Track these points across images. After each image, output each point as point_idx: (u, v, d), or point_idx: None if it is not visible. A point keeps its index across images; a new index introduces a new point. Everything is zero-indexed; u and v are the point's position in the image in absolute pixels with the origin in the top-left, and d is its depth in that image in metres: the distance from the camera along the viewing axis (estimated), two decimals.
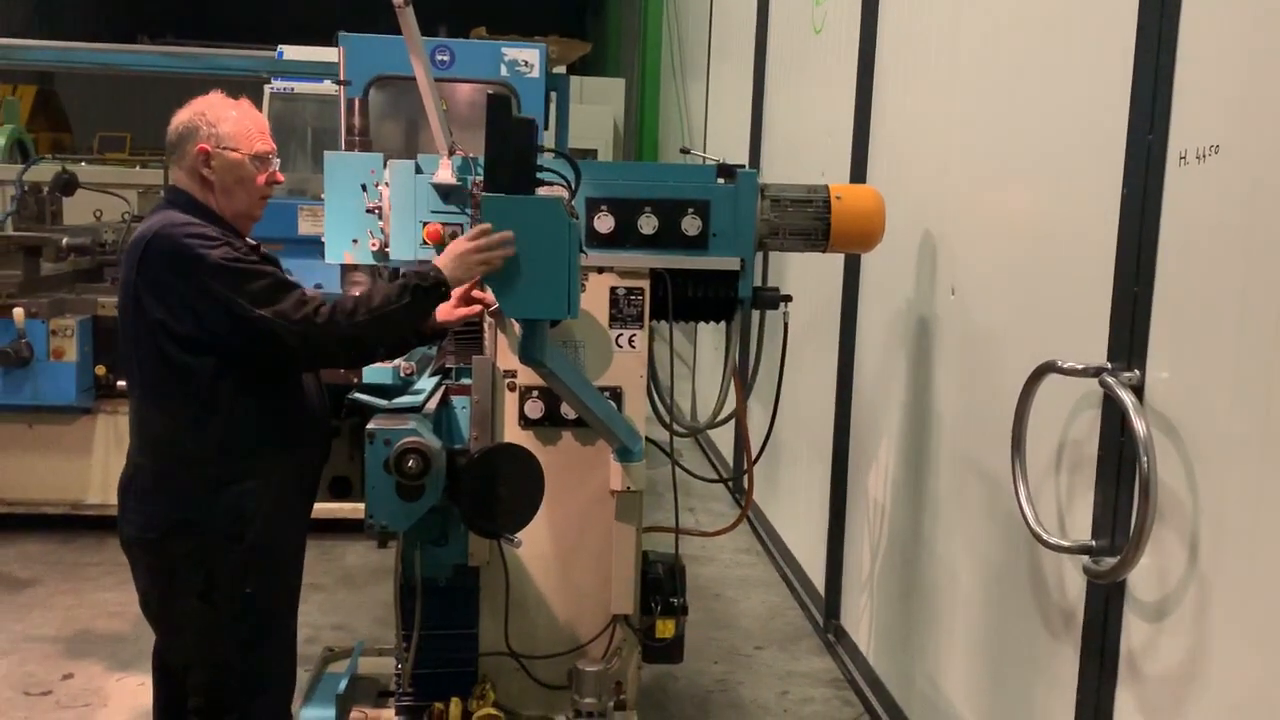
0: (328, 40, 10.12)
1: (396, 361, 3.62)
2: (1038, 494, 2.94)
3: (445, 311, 3.28)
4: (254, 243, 2.97)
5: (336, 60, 8.80)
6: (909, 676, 4.03)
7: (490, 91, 2.98)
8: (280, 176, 3.04)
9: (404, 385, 3.59)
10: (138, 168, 12.84)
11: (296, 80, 8.46)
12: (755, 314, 3.90)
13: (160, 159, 16.74)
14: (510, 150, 2.97)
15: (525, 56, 5.51)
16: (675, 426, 4.01)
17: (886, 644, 4.33)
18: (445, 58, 5.51)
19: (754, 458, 3.98)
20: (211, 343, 2.73)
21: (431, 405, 3.50)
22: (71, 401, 5.87)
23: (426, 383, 3.64)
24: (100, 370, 5.88)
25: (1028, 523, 2.81)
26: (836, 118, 5.02)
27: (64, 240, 6.10)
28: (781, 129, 6.41)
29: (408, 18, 3.20)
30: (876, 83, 4.57)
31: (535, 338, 3.19)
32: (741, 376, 4.13)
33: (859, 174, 4.65)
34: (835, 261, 4.80)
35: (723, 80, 8.43)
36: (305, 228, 6.11)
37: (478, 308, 3.25)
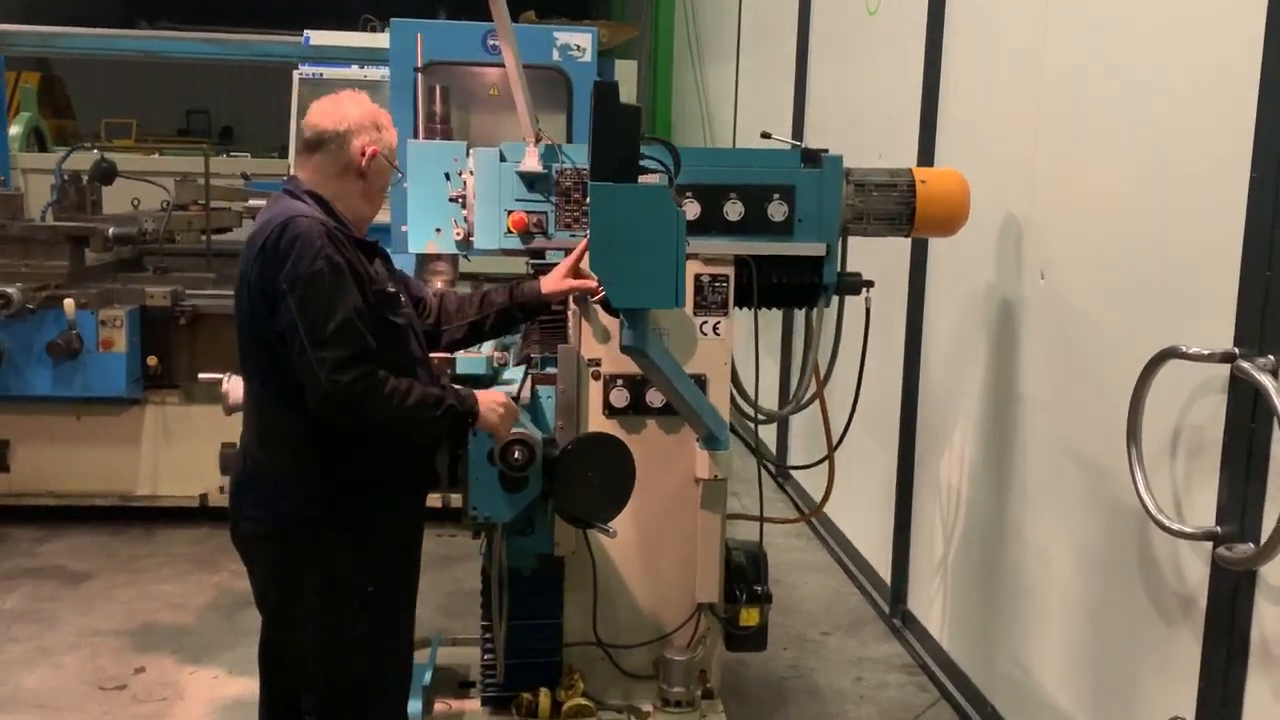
0: (348, 24, 10.10)
1: (489, 350, 3.59)
2: (1152, 480, 2.91)
3: (553, 283, 3.26)
4: (371, 240, 2.94)
5: (363, 45, 8.78)
6: (990, 661, 4.02)
7: (597, 79, 2.94)
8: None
9: (494, 375, 3.56)
10: (157, 155, 12.71)
11: (327, 66, 8.42)
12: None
13: (173, 145, 16.65)
14: (617, 138, 2.93)
15: (577, 40, 5.44)
16: (755, 414, 3.99)
17: (963, 629, 4.31)
18: (498, 43, 5.44)
19: (834, 444, 3.97)
20: None
21: (525, 395, 3.47)
22: (121, 393, 5.82)
23: (515, 372, 3.61)
24: (152, 360, 5.82)
25: (1147, 509, 2.79)
26: (896, 100, 4.98)
27: (110, 230, 6.05)
28: (828, 112, 6.36)
29: (499, 4, 3.16)
30: (946, 62, 4.52)
31: (638, 327, 3.16)
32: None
33: (926, 157, 4.61)
34: (899, 245, 4.76)
35: (756, 63, 8.38)
36: None
37: (591, 283, 3.20)
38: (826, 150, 3.70)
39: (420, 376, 2.95)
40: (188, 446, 6.05)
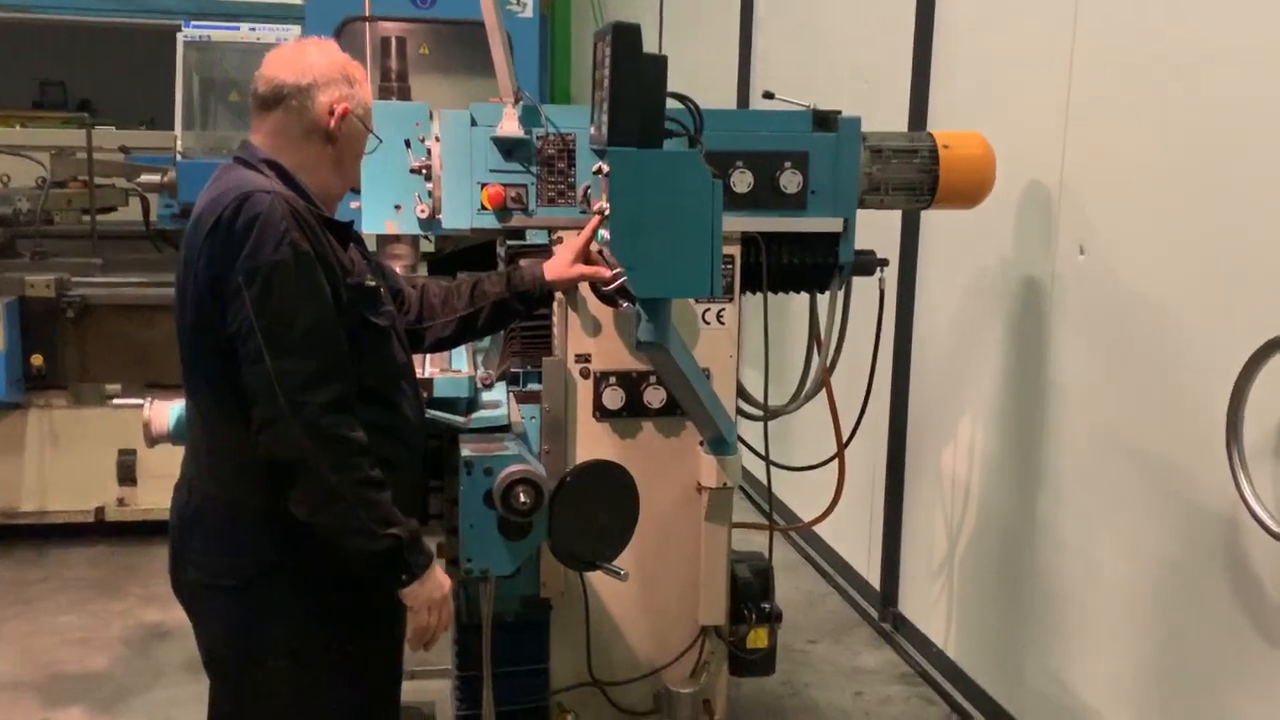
0: None
1: (469, 370, 3.06)
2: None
3: (559, 269, 2.77)
4: (345, 221, 2.39)
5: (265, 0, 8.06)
6: (1015, 673, 3.66)
7: (616, 21, 2.43)
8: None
9: (474, 398, 3.03)
10: (18, 127, 11.68)
11: (214, 27, 7.69)
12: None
13: (35, 118, 15.41)
14: (641, 94, 2.44)
15: None
16: (753, 410, 3.56)
17: (977, 637, 3.96)
18: None
19: (845, 440, 3.56)
20: None
21: (518, 419, 2.97)
22: (0, 396, 5.12)
23: (497, 392, 3.10)
24: (36, 360, 5.11)
25: (1255, 515, 2.45)
26: (877, 52, 4.58)
27: None
28: (783, 73, 5.91)
29: None
30: (940, 19, 4.12)
31: (660, 319, 2.68)
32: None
33: (918, 120, 4.21)
34: (885, 218, 4.35)
35: (685, 19, 7.86)
36: None
37: (604, 270, 2.69)
38: (840, 112, 3.26)
39: (405, 391, 2.43)
40: (79, 455, 5.38)
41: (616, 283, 2.55)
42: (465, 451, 2.61)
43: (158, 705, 3.89)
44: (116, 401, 3.37)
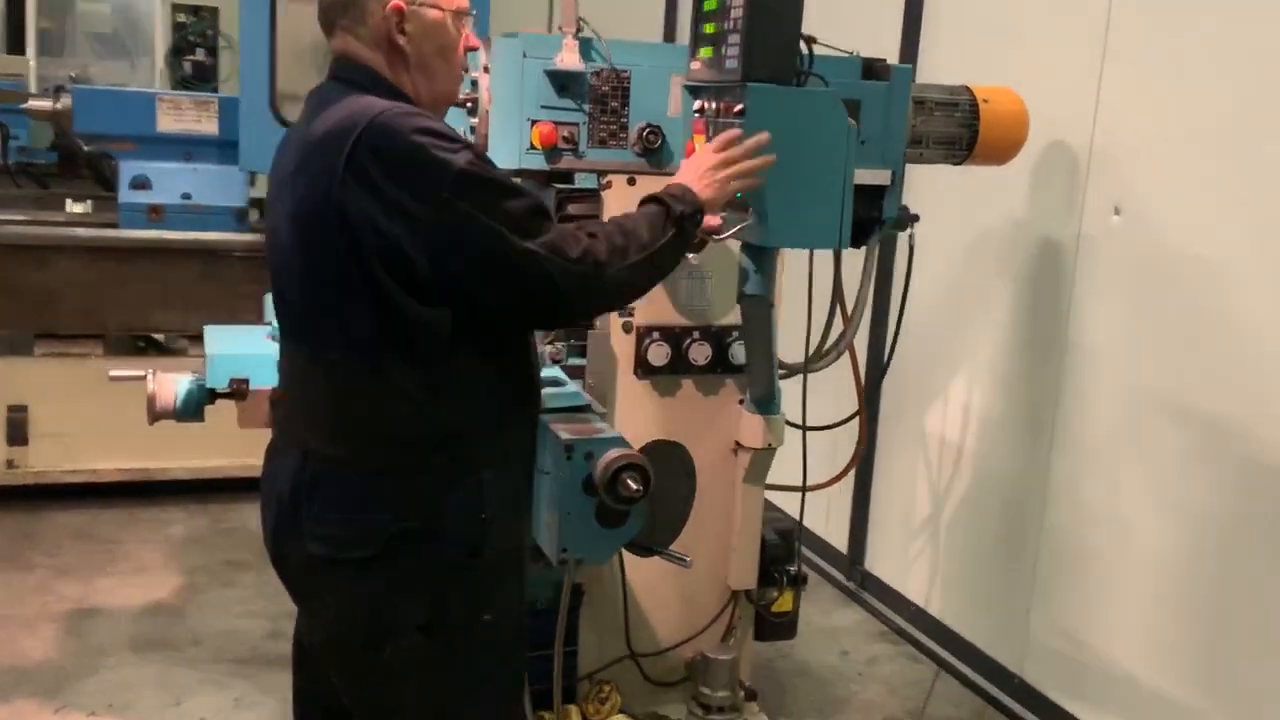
0: None
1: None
2: None
3: None
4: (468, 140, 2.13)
5: None
6: (1018, 630, 3.68)
7: None
8: (476, 41, 2.21)
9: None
10: None
11: None
12: None
13: None
14: (780, 30, 2.28)
15: None
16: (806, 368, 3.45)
17: (968, 594, 3.98)
18: None
19: (864, 399, 3.50)
20: (448, 286, 1.91)
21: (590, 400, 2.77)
22: None
23: (554, 371, 2.89)
24: None
25: None
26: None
27: None
28: None
29: None
30: None
31: (767, 271, 2.53)
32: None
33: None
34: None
35: None
36: (167, 123, 4.92)
37: (716, 220, 2.49)
38: (885, 60, 3.16)
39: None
40: None
41: (732, 230, 2.39)
42: (563, 435, 2.40)
43: (111, 689, 3.52)
44: (114, 374, 3.00)
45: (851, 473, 4.48)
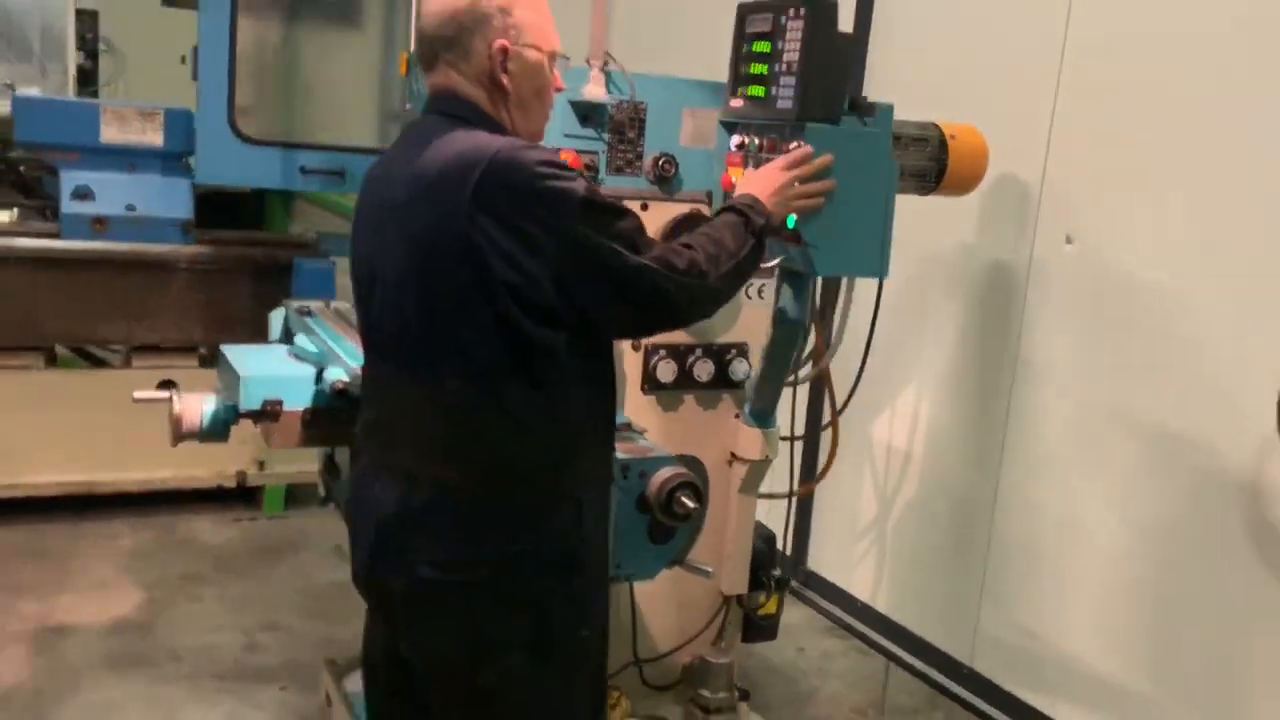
0: None
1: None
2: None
3: None
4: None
5: None
6: (968, 624, 3.97)
7: None
8: (562, 83, 2.34)
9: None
10: None
11: None
12: None
13: None
14: (833, 71, 2.49)
15: None
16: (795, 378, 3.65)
17: (914, 591, 4.26)
18: None
19: (839, 408, 3.73)
20: (570, 307, 2.04)
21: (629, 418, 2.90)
22: None
23: None
24: None
25: None
26: None
27: None
28: (652, 41, 5.94)
29: None
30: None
31: (804, 296, 2.73)
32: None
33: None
34: None
35: None
36: (110, 134, 4.84)
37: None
38: (867, 97, 3.40)
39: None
40: None
41: (776, 260, 2.58)
42: (619, 454, 2.51)
43: (92, 710, 3.48)
44: (138, 395, 2.98)
45: (795, 476, 4.76)
